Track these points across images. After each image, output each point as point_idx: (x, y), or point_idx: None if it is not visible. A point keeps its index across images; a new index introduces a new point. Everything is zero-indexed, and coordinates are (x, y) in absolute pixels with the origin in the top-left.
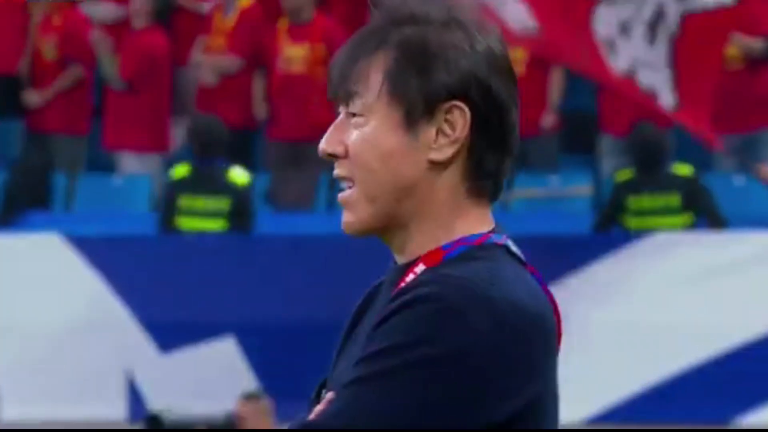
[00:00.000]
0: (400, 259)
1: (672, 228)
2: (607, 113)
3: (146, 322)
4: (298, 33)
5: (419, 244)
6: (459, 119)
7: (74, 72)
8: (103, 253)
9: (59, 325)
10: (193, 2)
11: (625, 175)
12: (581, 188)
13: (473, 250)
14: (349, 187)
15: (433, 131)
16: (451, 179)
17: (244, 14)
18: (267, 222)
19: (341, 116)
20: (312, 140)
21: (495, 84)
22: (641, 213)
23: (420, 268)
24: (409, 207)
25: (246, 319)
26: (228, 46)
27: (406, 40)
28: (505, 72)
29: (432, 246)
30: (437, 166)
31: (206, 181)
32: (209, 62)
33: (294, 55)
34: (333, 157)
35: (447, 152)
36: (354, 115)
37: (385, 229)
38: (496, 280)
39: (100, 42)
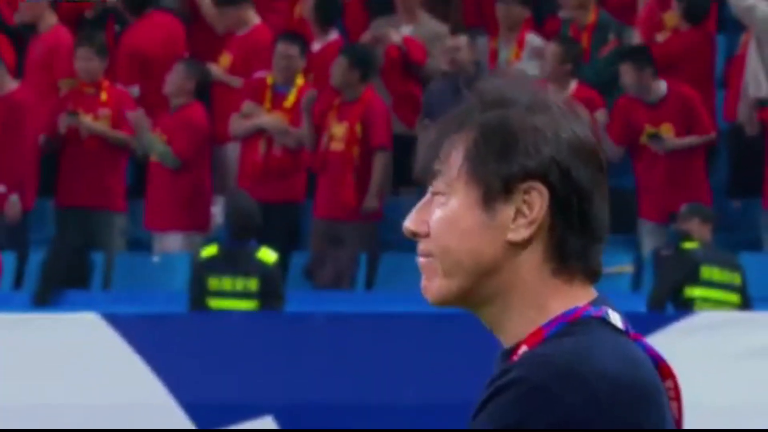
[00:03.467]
0: (503, 341)
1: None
2: (645, 203)
3: (185, 402)
4: (344, 111)
5: (514, 323)
6: (536, 200)
7: (117, 148)
8: (141, 332)
9: (97, 404)
10: (228, 77)
11: (692, 244)
12: (624, 267)
13: (567, 326)
14: (430, 258)
15: (510, 211)
16: (532, 260)
17: (302, 92)
18: (304, 300)
19: (427, 195)
20: (348, 219)
21: (576, 169)
22: (711, 284)
23: (522, 350)
24: (493, 286)
25: (285, 398)
26: (291, 123)
27: (487, 121)
28: (590, 158)
29: (530, 326)
30: (516, 246)
31: (235, 261)
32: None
33: (336, 132)
34: (416, 235)
35: (524, 233)
36: (437, 194)
37: (471, 305)
38: (585, 354)
39: (139, 121)
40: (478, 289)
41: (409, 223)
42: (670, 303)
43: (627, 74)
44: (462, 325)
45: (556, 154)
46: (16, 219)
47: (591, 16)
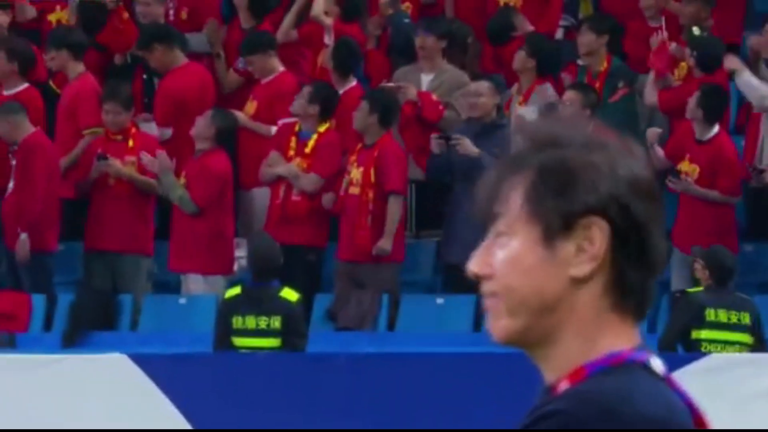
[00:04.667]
0: (547, 377)
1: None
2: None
3: None
4: (362, 155)
5: (563, 360)
6: (597, 235)
7: (145, 193)
8: (168, 372)
9: None
10: (253, 123)
11: (697, 288)
12: None
13: (612, 366)
14: (495, 299)
15: (572, 247)
16: (591, 295)
17: (322, 138)
18: (327, 341)
19: (489, 237)
20: (369, 262)
21: (635, 205)
22: (717, 326)
23: (563, 385)
24: (551, 323)
25: None
26: (309, 168)
27: (545, 161)
28: (647, 194)
29: (575, 363)
30: (578, 282)
31: (258, 300)
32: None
33: (354, 176)
34: (480, 277)
35: (586, 268)
36: (499, 235)
37: (528, 344)
38: (625, 395)
39: (162, 165)
40: (538, 326)
41: (473, 266)
42: (679, 345)
43: (691, 110)
44: (483, 366)
45: (615, 190)
46: (26, 258)
47: (604, 64)
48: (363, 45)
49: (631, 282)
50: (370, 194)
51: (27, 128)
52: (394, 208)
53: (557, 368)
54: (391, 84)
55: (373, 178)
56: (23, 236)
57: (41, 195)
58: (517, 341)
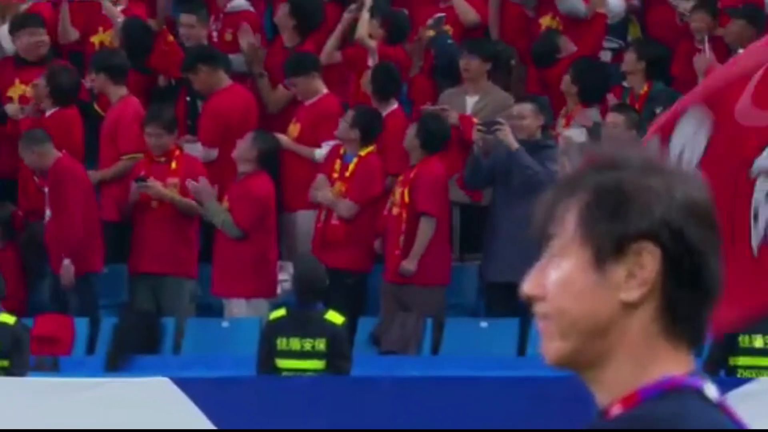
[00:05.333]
0: (599, 400)
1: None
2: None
3: None
4: (405, 176)
5: (614, 384)
6: (648, 261)
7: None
8: (211, 396)
9: None
10: (296, 146)
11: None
12: None
13: (666, 392)
14: (547, 320)
15: (623, 272)
16: (642, 320)
17: (363, 162)
18: (371, 365)
19: (543, 258)
20: (415, 284)
21: (689, 230)
22: (752, 351)
23: (616, 409)
24: (602, 346)
25: None
26: (347, 192)
27: (600, 184)
28: (703, 219)
29: (627, 386)
30: (628, 306)
31: (303, 322)
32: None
33: (395, 197)
34: (533, 298)
35: (636, 293)
36: (553, 256)
37: (580, 367)
38: (677, 421)
39: (205, 190)
40: (589, 349)
41: (526, 286)
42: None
43: None
44: (527, 390)
45: (668, 215)
46: (70, 283)
47: (644, 87)
48: (407, 68)
49: (683, 308)
50: (404, 215)
51: (53, 154)
52: (425, 230)
53: (609, 392)
54: (433, 107)
55: (407, 199)
56: (66, 262)
57: (80, 220)
58: (569, 364)
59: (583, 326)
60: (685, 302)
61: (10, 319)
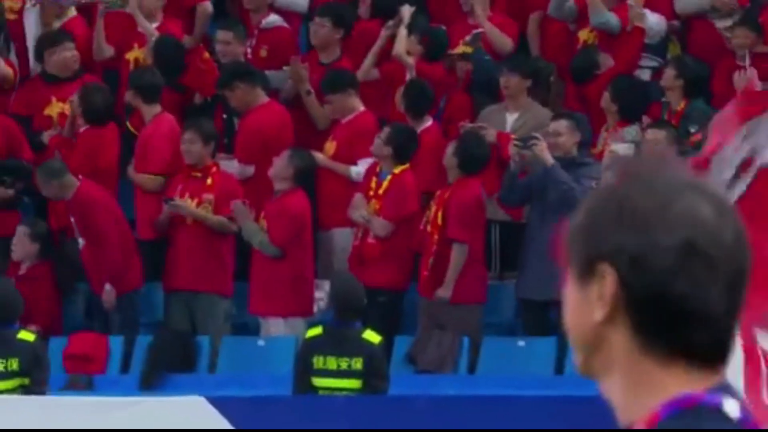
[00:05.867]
0: (618, 416)
1: None
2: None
3: None
4: (440, 195)
5: (616, 396)
6: (607, 282)
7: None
8: (247, 415)
9: None
10: (332, 163)
11: None
12: None
13: (684, 410)
14: None
15: (595, 291)
16: (620, 338)
17: (396, 180)
18: (407, 384)
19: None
20: (450, 302)
21: (654, 253)
22: None
23: (638, 426)
24: (601, 360)
25: None
26: (380, 210)
27: (588, 203)
28: (700, 243)
29: (637, 406)
30: (605, 324)
31: (340, 341)
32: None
33: (429, 215)
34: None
35: (599, 313)
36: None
37: (597, 378)
38: None
39: (241, 212)
40: (594, 362)
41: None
42: None
43: None
44: (565, 409)
45: (630, 239)
46: (112, 306)
47: (681, 104)
48: (446, 84)
49: (654, 329)
50: (435, 236)
51: (73, 184)
52: (457, 257)
53: (622, 410)
54: (472, 125)
55: (440, 221)
56: (108, 287)
57: (116, 245)
58: (588, 375)
59: (579, 341)
60: (654, 323)
61: (29, 336)
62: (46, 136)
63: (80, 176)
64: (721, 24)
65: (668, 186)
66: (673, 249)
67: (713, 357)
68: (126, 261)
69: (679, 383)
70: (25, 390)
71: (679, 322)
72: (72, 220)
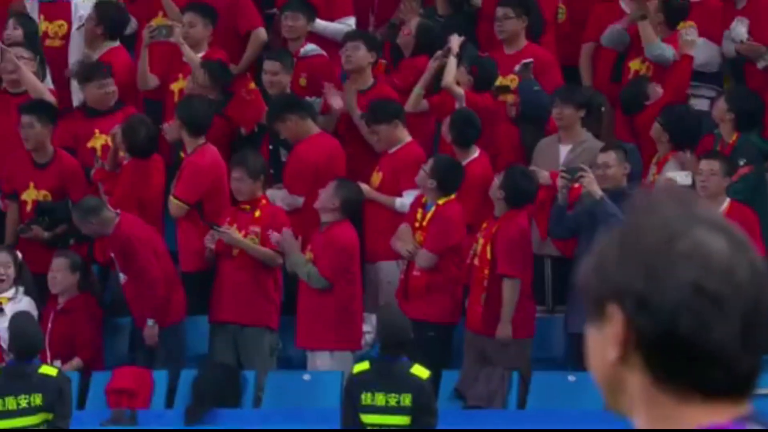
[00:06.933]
0: None
1: None
2: None
3: None
4: (487, 228)
5: None
6: (615, 322)
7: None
8: None
9: None
10: (378, 195)
11: None
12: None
13: None
14: None
15: (608, 329)
16: (636, 375)
17: (439, 211)
18: (455, 419)
19: None
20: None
21: (661, 292)
22: None
23: None
24: (624, 400)
25: None
26: (424, 242)
27: (604, 243)
28: (709, 286)
29: None
30: (621, 363)
31: (387, 376)
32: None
33: (477, 248)
34: None
35: (613, 352)
36: None
37: (626, 417)
38: None
39: (290, 243)
40: (618, 402)
41: None
42: None
43: None
44: None
45: (634, 281)
46: (155, 343)
47: (732, 137)
48: (495, 115)
49: (665, 367)
50: (486, 271)
51: (112, 219)
52: (509, 292)
53: None
54: (527, 168)
55: (489, 255)
56: (150, 322)
57: (159, 280)
58: (616, 413)
59: (600, 381)
60: (664, 362)
61: (52, 371)
62: (92, 172)
63: (119, 210)
64: (761, 65)
65: (676, 221)
66: (678, 289)
67: (733, 391)
68: (168, 295)
69: (699, 416)
70: (49, 425)
71: (689, 360)
72: (112, 255)
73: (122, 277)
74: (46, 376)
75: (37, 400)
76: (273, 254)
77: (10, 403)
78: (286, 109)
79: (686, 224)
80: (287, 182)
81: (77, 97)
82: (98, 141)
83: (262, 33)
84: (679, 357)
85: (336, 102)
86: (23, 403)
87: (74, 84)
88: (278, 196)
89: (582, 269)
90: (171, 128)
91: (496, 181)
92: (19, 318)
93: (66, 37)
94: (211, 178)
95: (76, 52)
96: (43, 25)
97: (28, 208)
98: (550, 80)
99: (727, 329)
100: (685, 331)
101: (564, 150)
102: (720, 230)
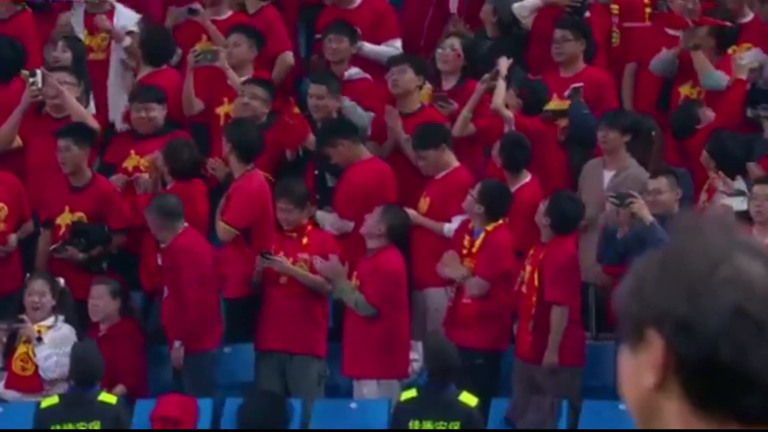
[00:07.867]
0: None
1: None
2: None
3: None
4: (534, 255)
5: None
6: (654, 348)
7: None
8: None
9: None
10: (426, 221)
11: None
12: None
13: None
14: None
15: (644, 356)
16: (673, 402)
17: (489, 238)
18: None
19: None
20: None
21: (703, 319)
22: None
23: None
24: (660, 426)
25: None
26: (475, 269)
27: (641, 267)
28: (747, 300)
29: None
30: (657, 391)
31: (435, 404)
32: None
33: (524, 275)
34: None
35: (650, 379)
36: None
37: None
38: None
39: (337, 270)
40: (654, 429)
41: None
42: None
43: None
44: None
45: (676, 305)
46: (179, 365)
47: None
48: (546, 138)
49: (704, 393)
50: (534, 298)
51: (178, 227)
52: (557, 319)
53: None
54: (573, 193)
55: (536, 282)
56: (177, 344)
57: (194, 303)
58: None
59: (634, 408)
60: (703, 389)
61: (111, 398)
62: (118, 180)
63: (186, 224)
64: None
65: (716, 247)
66: (721, 313)
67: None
68: (201, 320)
69: None
70: None
71: (728, 386)
72: (160, 262)
73: (165, 292)
74: (106, 404)
75: (96, 427)
76: (323, 282)
77: (69, 429)
78: (337, 134)
79: (728, 250)
80: (338, 206)
81: (115, 114)
82: (132, 161)
83: (289, 57)
84: (719, 383)
85: (393, 123)
86: (81, 430)
87: (112, 102)
88: (328, 219)
89: (620, 292)
90: (218, 166)
91: (542, 206)
92: (80, 345)
93: (107, 49)
94: (259, 203)
95: (114, 65)
96: (86, 40)
97: (62, 231)
98: (606, 102)
99: (766, 355)
100: (726, 356)
101: (608, 175)
102: (759, 256)
